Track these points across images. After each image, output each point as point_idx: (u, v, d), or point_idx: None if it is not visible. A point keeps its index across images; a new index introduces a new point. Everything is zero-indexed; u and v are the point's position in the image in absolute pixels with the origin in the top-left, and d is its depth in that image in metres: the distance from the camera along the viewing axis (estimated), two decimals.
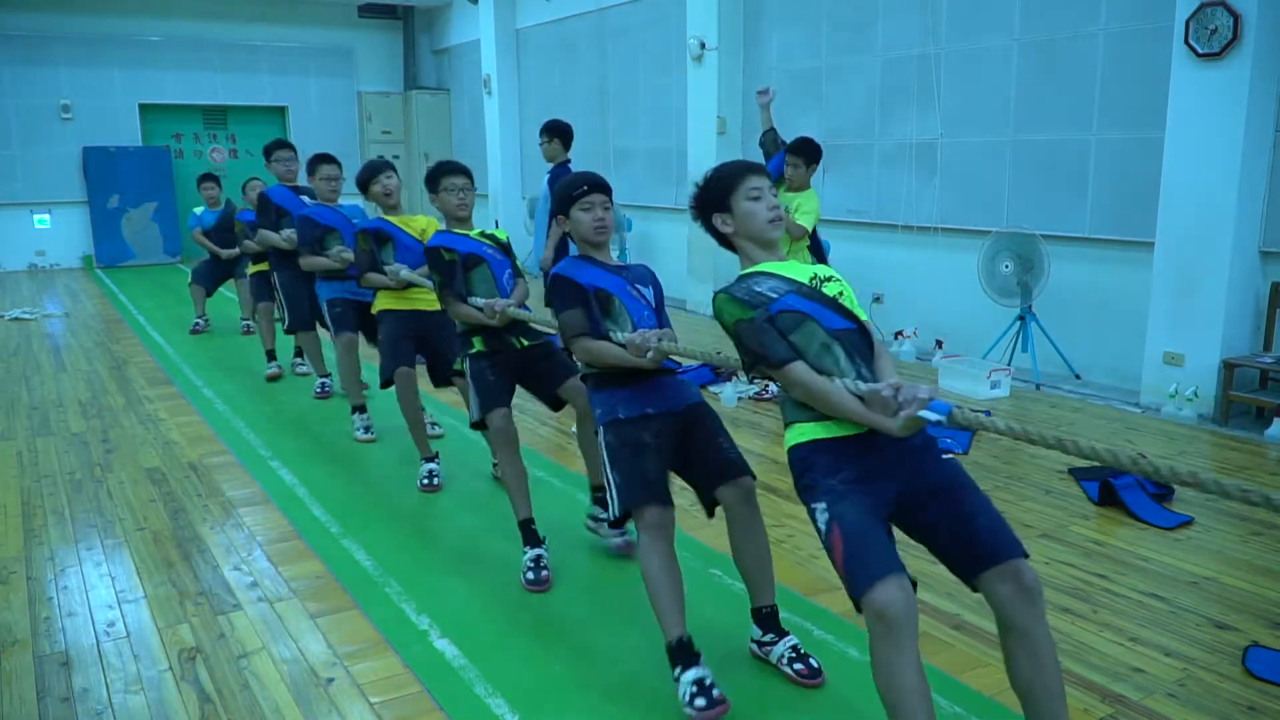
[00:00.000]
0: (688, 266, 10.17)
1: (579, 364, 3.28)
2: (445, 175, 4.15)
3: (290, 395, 6.69)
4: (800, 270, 2.55)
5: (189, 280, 9.14)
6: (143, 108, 14.73)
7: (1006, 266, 6.89)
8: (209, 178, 9.24)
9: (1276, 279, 5.84)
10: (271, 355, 7.19)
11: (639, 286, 3.22)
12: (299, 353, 7.17)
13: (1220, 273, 5.80)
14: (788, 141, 6.42)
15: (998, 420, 2.18)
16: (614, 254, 3.70)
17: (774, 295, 2.45)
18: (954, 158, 7.73)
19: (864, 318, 2.53)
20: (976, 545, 2.27)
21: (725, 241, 2.67)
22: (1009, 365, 6.83)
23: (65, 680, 3.06)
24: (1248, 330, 5.97)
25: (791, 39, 9.15)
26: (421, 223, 5.06)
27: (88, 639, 3.33)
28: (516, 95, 14.03)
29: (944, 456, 2.45)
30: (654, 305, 3.24)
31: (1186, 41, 5.74)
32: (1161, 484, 4.61)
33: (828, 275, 2.56)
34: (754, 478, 3.03)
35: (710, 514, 3.11)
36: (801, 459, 2.44)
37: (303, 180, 6.51)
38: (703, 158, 9.59)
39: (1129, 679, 3.01)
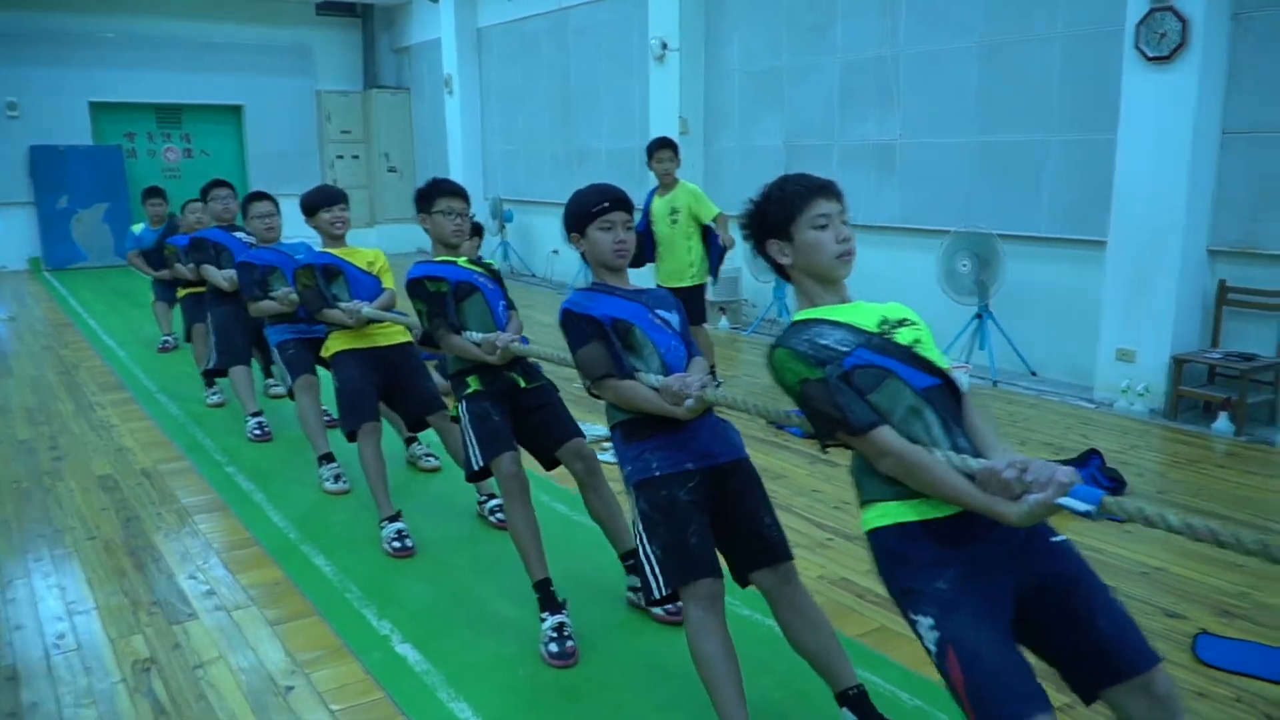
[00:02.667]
0: (652, 268, 10.15)
1: (606, 413, 2.85)
2: (443, 196, 3.68)
3: (278, 429, 6.56)
4: (867, 314, 2.13)
5: (152, 299, 8.47)
6: (94, 106, 14.47)
7: (964, 266, 6.96)
8: (156, 192, 8.50)
9: (1224, 277, 5.94)
10: (210, 379, 6.59)
11: (661, 312, 2.81)
12: (268, 372, 6.65)
13: (1171, 271, 5.90)
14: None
15: (1170, 515, 1.73)
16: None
17: (844, 349, 2.04)
18: (913, 158, 7.79)
19: (945, 367, 2.10)
20: (1104, 655, 1.91)
21: (782, 272, 2.25)
22: (967, 362, 6.90)
23: (14, 695, 3.01)
24: (1196, 327, 6.07)
25: (752, 40, 9.19)
26: (369, 254, 4.70)
27: (36, 652, 3.28)
28: (478, 95, 13.98)
29: (1054, 540, 2.04)
30: (679, 332, 2.82)
31: (1137, 45, 5.83)
32: (1114, 478, 4.69)
33: (900, 317, 2.15)
34: (793, 560, 2.66)
35: (743, 585, 2.71)
36: (890, 551, 2.03)
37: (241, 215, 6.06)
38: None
39: None
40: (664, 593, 2.56)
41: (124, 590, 3.74)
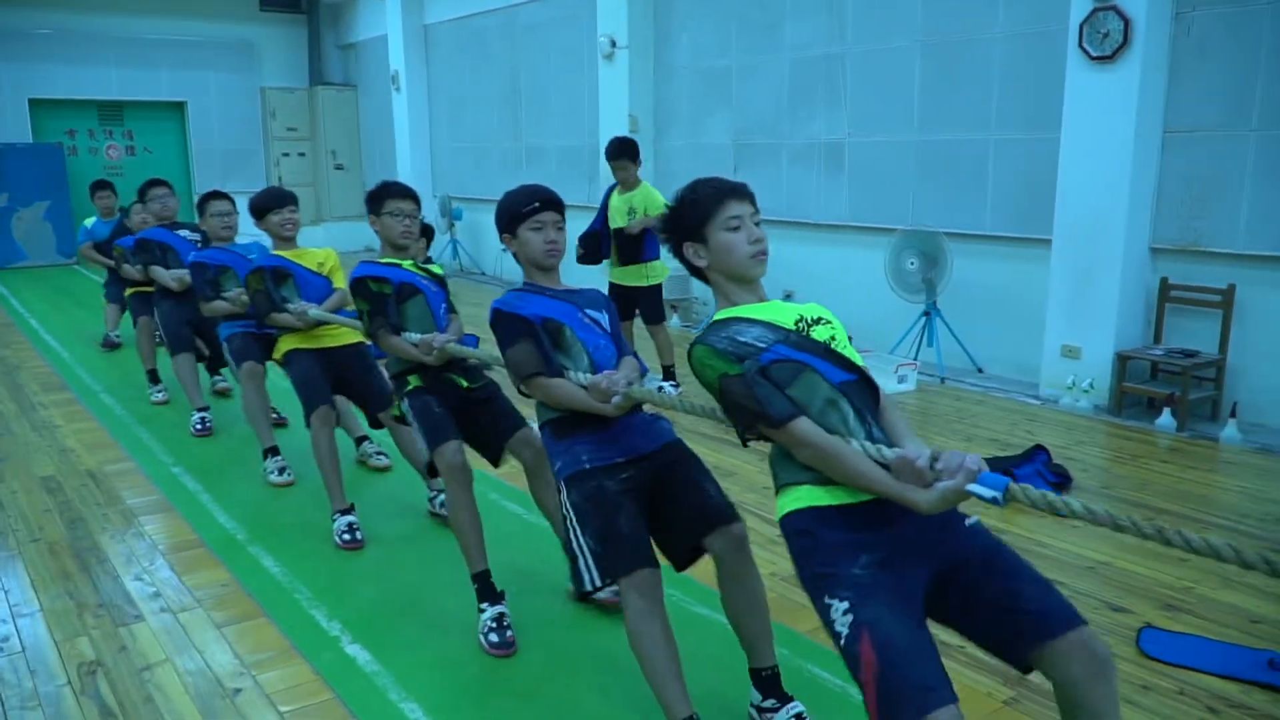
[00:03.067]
0: (601, 266, 10.15)
1: (537, 411, 2.90)
2: (392, 198, 3.68)
3: (222, 426, 6.46)
4: (784, 312, 2.20)
5: (103, 301, 8.22)
6: (32, 103, 14.17)
7: (912, 264, 7.04)
8: (104, 185, 8.46)
9: (1166, 274, 6.07)
10: (154, 376, 6.60)
11: (590, 312, 2.87)
12: (213, 370, 6.48)
13: (1114, 269, 6.02)
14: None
15: (1073, 501, 1.82)
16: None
17: (762, 345, 2.11)
18: (861, 157, 7.87)
19: (861, 363, 2.20)
20: (1029, 618, 1.94)
21: (699, 274, 2.30)
22: (915, 360, 6.99)
23: None
24: (1139, 324, 6.20)
25: (701, 38, 9.22)
26: (319, 255, 4.72)
27: None
28: (426, 92, 13.87)
29: (966, 522, 2.11)
30: (610, 331, 2.89)
31: (1080, 45, 5.93)
32: (1059, 474, 4.77)
33: (816, 316, 2.22)
34: (743, 523, 2.68)
35: (680, 567, 2.75)
36: (804, 533, 2.06)
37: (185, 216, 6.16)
38: None
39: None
40: (597, 585, 2.59)
41: (69, 592, 3.67)
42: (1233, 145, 5.67)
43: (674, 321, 9.24)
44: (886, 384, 6.59)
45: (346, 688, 2.98)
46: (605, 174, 9.76)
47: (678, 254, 2.29)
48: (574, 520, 2.64)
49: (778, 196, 8.60)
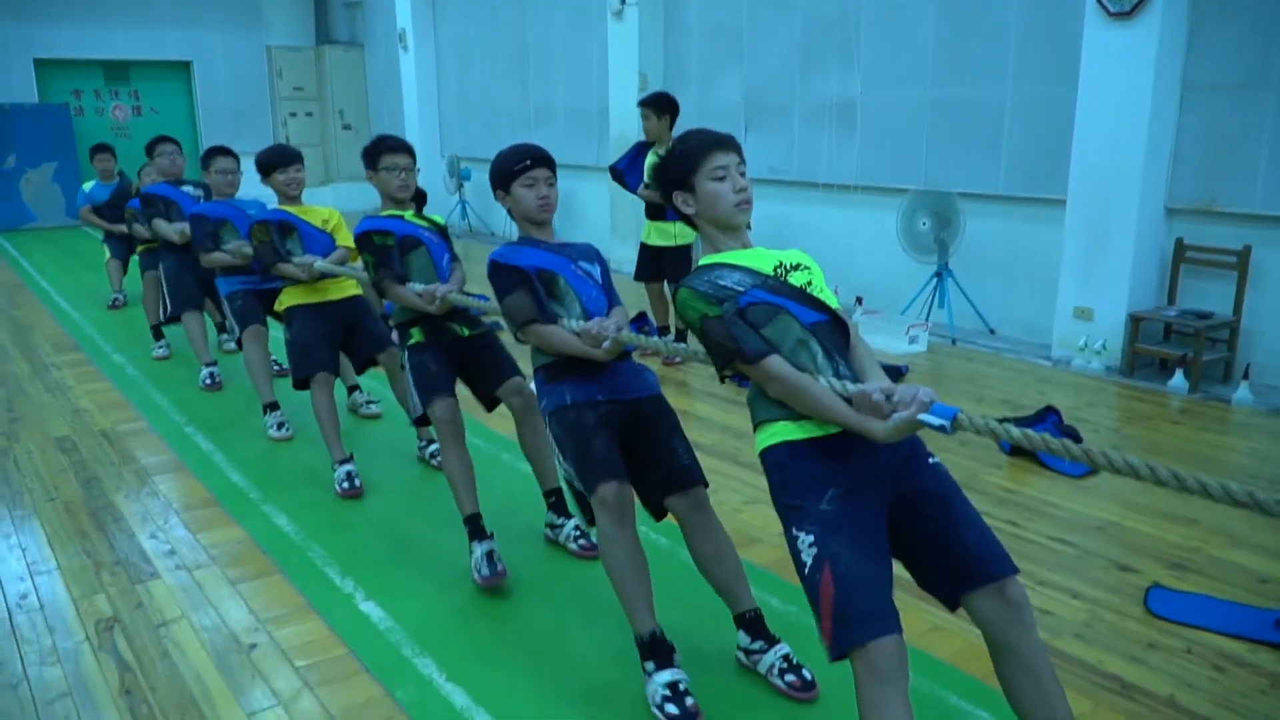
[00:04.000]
0: (611, 225, 10.13)
1: (531, 357, 3.03)
2: (387, 153, 3.81)
3: (229, 380, 6.49)
4: (764, 258, 2.32)
5: (106, 257, 8.34)
6: (38, 63, 14.10)
7: (924, 224, 7.00)
8: (104, 149, 8.48)
9: (1181, 235, 6.02)
10: (158, 332, 6.74)
11: (583, 264, 3.02)
12: (221, 328, 6.76)
13: (1128, 229, 5.97)
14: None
15: (1012, 429, 1.93)
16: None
17: (741, 289, 2.24)
18: (873, 115, 7.80)
19: (836, 305, 2.31)
20: (965, 562, 2.10)
21: (689, 221, 2.42)
22: (926, 321, 6.97)
23: None
24: (1153, 285, 6.16)
25: None
26: (323, 213, 4.82)
27: None
28: (433, 51, 13.76)
29: (930, 460, 2.24)
30: (601, 283, 3.03)
31: (1099, 0, 5.84)
32: (1070, 434, 4.77)
33: (795, 262, 2.34)
34: (706, 485, 2.83)
35: (657, 519, 2.90)
36: (779, 466, 2.20)
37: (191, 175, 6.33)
38: (625, 115, 9.53)
39: (1038, 621, 3.10)
40: (590, 495, 2.74)
41: (85, 550, 3.71)
42: (1252, 104, 5.60)
43: None
44: (897, 345, 6.61)
45: (361, 643, 3.01)
46: (616, 133, 9.74)
47: (668, 202, 2.41)
48: (558, 450, 2.84)
49: (789, 156, 8.54)
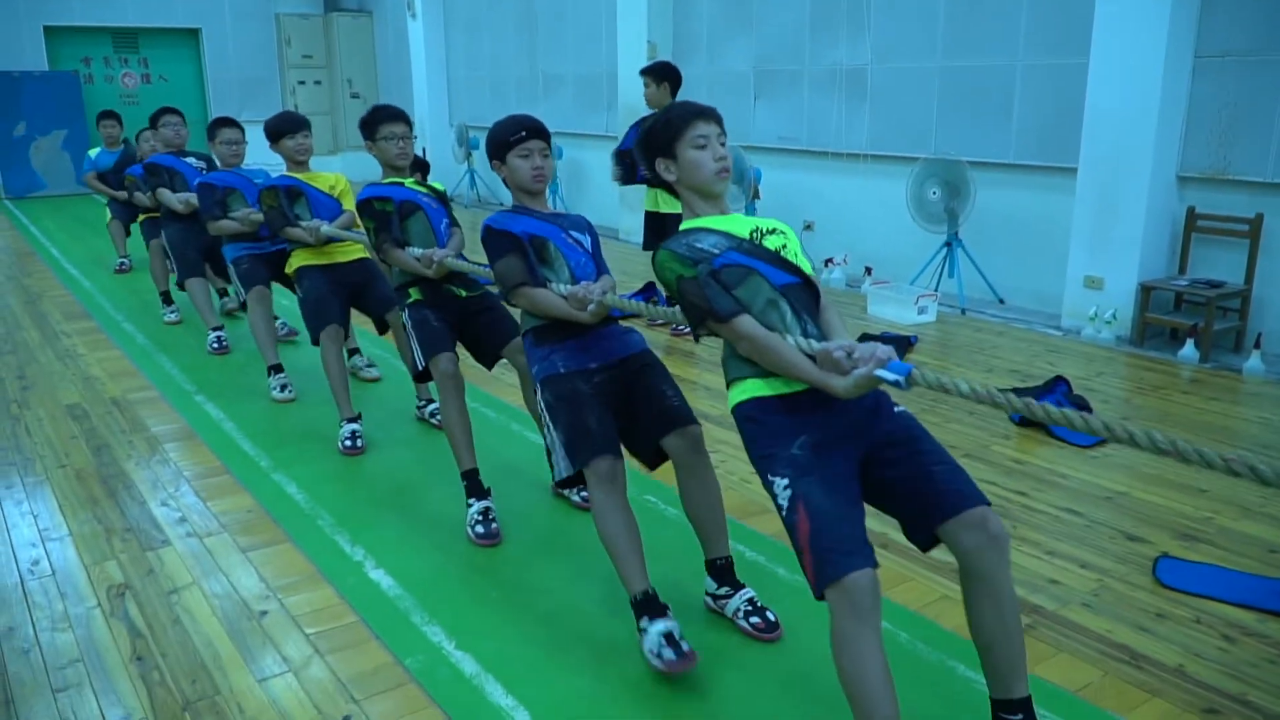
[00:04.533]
0: (619, 195, 10.10)
1: (521, 320, 3.13)
2: (384, 122, 3.93)
3: (236, 344, 6.52)
4: (741, 224, 2.42)
5: (108, 218, 8.62)
6: (48, 30, 14.06)
7: (934, 193, 6.96)
8: (109, 115, 8.65)
9: (1193, 204, 5.98)
10: (167, 298, 6.89)
11: (574, 233, 3.12)
12: (224, 292, 6.94)
13: (1139, 198, 5.93)
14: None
15: (961, 382, 2.02)
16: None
17: (716, 251, 2.34)
18: (883, 84, 7.73)
19: (808, 270, 2.41)
20: (938, 496, 2.17)
21: (669, 189, 2.52)
22: (936, 291, 6.94)
23: None
24: (1164, 254, 6.13)
25: None
26: (330, 179, 4.92)
27: (10, 578, 3.27)
28: (442, 18, 13.67)
29: (896, 410, 2.34)
30: (591, 252, 3.13)
31: None
32: (1079, 404, 4.76)
33: (770, 228, 2.44)
34: (699, 426, 2.92)
35: (651, 466, 3.01)
36: (750, 419, 2.32)
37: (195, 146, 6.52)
38: (633, 84, 9.44)
39: (1046, 590, 3.13)
40: (571, 472, 2.84)
41: (97, 517, 3.73)
42: (1265, 71, 5.53)
43: None
44: (906, 315, 6.59)
45: (371, 611, 3.03)
46: (624, 102, 9.68)
47: (651, 169, 2.49)
48: (547, 417, 2.90)
49: (798, 125, 8.48)
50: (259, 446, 4.44)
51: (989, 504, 2.17)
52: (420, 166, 5.07)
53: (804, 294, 2.36)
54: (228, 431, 4.65)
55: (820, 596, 2.06)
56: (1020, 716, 2.19)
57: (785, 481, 2.18)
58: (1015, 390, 4.90)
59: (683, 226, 2.46)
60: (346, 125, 15.85)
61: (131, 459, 4.33)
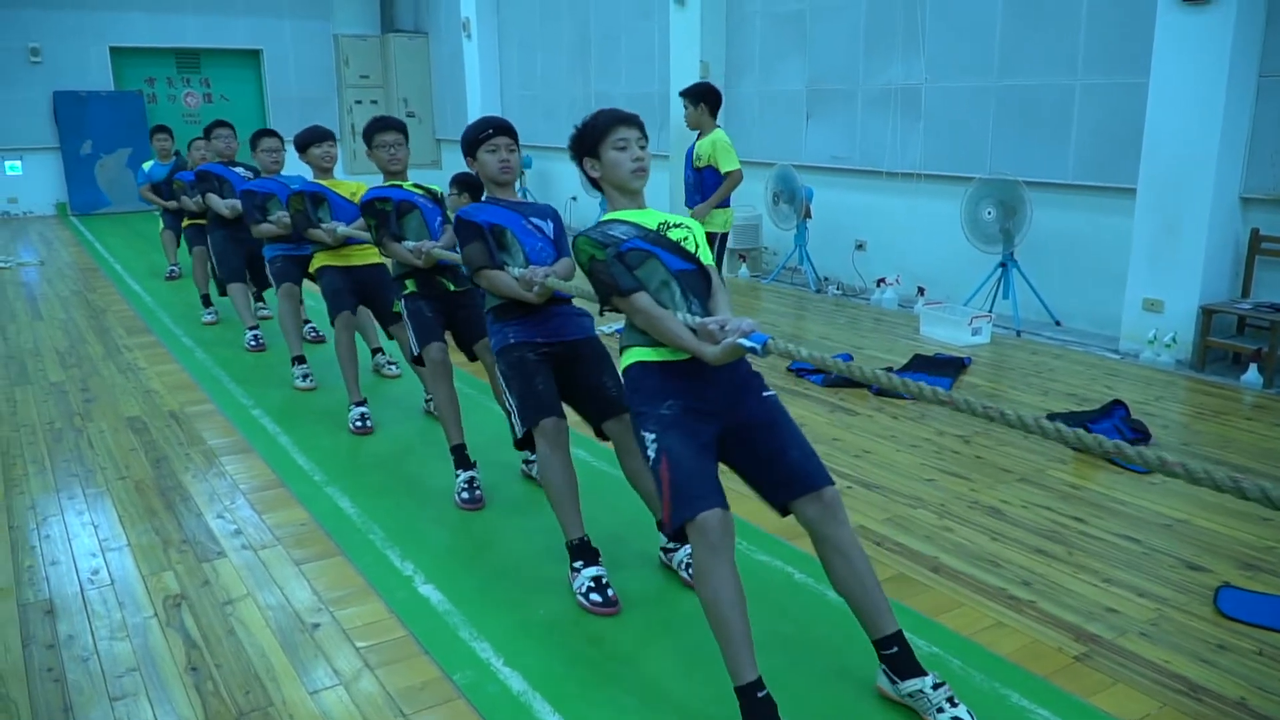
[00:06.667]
0: (670, 206, 10.09)
1: (485, 299, 3.54)
2: (378, 132, 4.42)
3: (271, 343, 6.64)
4: (652, 218, 2.76)
5: (160, 227, 9.12)
6: (114, 51, 14.45)
7: (989, 213, 6.89)
8: (162, 129, 9.12)
9: (1256, 225, 5.86)
10: (206, 300, 7.51)
11: (535, 220, 3.53)
12: (259, 297, 7.22)
13: (1201, 219, 5.82)
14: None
15: (827, 358, 2.27)
16: (519, 193, 3.83)
17: (624, 238, 2.68)
18: (938, 103, 7.68)
19: (706, 261, 2.75)
20: (790, 477, 2.52)
21: (595, 184, 2.84)
22: (990, 312, 6.86)
23: (50, 627, 3.07)
24: (1226, 277, 6.00)
25: None
26: (353, 186, 5.31)
27: (71, 587, 3.34)
28: (496, 39, 13.83)
29: (765, 394, 2.66)
30: (552, 238, 3.52)
31: None
32: (1138, 429, 4.66)
33: (677, 222, 2.78)
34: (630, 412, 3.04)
35: (600, 440, 3.44)
36: (633, 379, 2.68)
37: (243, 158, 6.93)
38: None
39: (1103, 619, 3.06)
40: (522, 432, 3.26)
41: (154, 528, 3.80)
42: None
43: (742, 271, 9.17)
44: (960, 336, 6.52)
45: (420, 625, 3.05)
46: (676, 122, 9.70)
47: (579, 166, 2.83)
48: (503, 385, 3.35)
49: (851, 144, 8.45)
50: (313, 461, 4.50)
51: (832, 484, 2.53)
52: (471, 186, 5.36)
53: (696, 280, 2.70)
54: (283, 445, 4.71)
55: (674, 535, 2.51)
56: (896, 649, 2.49)
57: (653, 436, 2.54)
58: (1070, 414, 4.82)
59: (603, 218, 2.80)
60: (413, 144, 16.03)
61: (189, 471, 4.40)
